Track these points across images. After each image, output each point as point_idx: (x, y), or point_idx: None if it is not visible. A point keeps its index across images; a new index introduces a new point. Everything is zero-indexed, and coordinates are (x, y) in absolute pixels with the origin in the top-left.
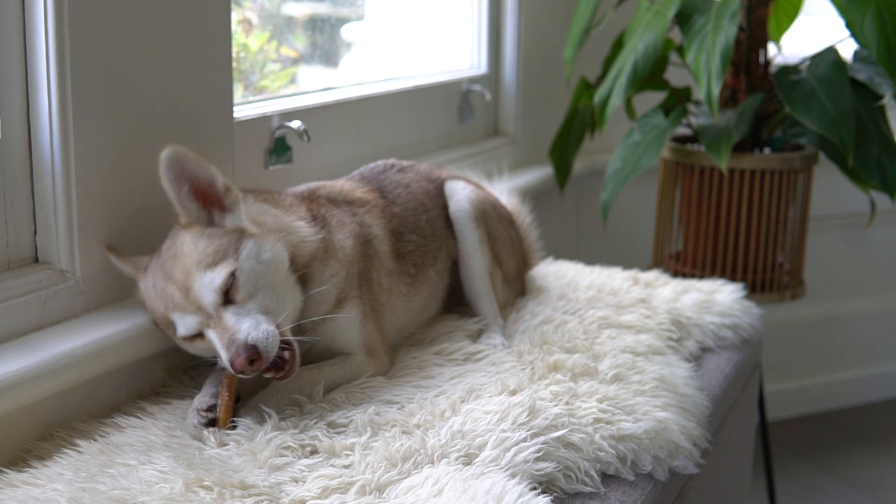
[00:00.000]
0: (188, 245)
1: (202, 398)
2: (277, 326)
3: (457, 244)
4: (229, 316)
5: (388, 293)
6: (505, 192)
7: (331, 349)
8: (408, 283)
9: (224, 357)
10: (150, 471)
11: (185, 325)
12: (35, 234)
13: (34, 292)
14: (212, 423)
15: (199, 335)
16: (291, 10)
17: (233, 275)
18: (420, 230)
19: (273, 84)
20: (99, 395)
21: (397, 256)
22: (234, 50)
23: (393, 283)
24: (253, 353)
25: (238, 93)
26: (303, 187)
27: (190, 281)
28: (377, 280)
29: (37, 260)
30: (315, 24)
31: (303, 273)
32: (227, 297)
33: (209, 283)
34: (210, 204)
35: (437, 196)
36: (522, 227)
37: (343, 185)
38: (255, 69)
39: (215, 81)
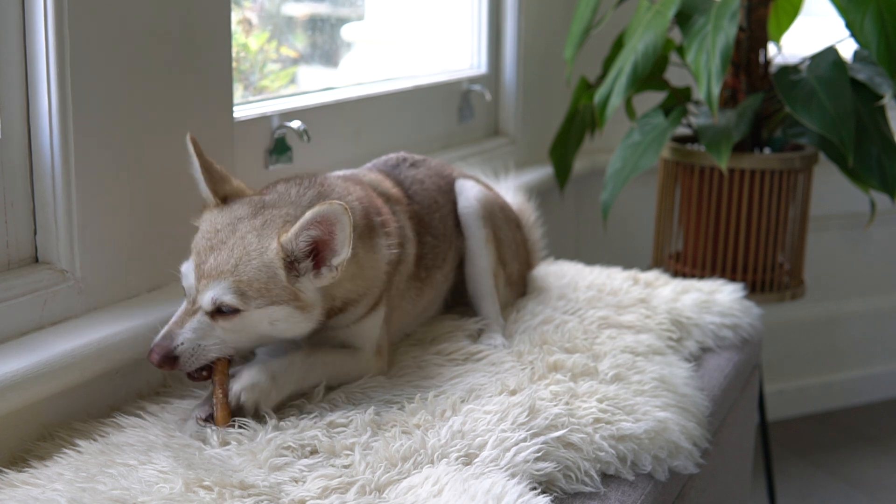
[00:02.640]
0: (256, 257)
1: (203, 407)
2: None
3: (464, 242)
4: (194, 318)
5: (401, 297)
6: (511, 190)
7: (344, 343)
8: (417, 286)
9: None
10: (150, 471)
11: (185, 277)
12: (35, 234)
13: (34, 292)
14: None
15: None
16: (291, 10)
17: (236, 312)
18: (434, 230)
19: (273, 84)
20: (99, 395)
21: (417, 259)
22: (234, 50)
23: (407, 286)
24: (168, 362)
25: (238, 93)
26: (360, 178)
27: (213, 272)
28: (397, 284)
29: (37, 260)
30: (315, 24)
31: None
32: (213, 314)
33: (212, 295)
34: (315, 258)
35: (448, 192)
36: (528, 224)
37: (376, 177)
38: (255, 69)
39: (215, 81)
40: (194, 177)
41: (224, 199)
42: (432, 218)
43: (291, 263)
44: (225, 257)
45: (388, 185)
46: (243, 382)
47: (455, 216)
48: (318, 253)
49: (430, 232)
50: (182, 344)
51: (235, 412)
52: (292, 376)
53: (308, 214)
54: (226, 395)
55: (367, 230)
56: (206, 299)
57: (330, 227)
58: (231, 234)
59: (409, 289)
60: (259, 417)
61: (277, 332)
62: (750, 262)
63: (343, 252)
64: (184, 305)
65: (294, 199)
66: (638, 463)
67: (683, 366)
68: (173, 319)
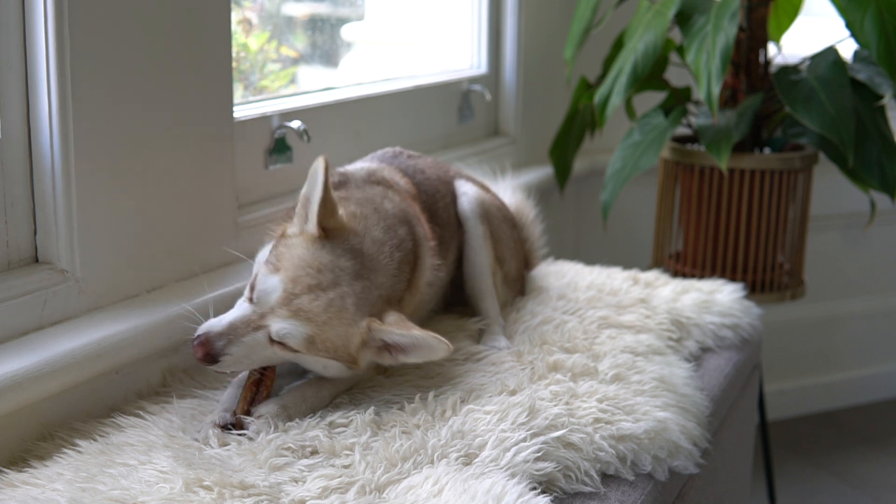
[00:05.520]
0: (345, 325)
1: (224, 415)
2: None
3: (464, 238)
4: (256, 333)
5: None
6: (509, 189)
7: None
8: None
9: (207, 322)
10: (150, 471)
11: (267, 291)
12: (35, 234)
13: (34, 292)
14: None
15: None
16: (291, 10)
17: (294, 351)
18: (440, 220)
19: (273, 84)
20: (99, 395)
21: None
22: (234, 50)
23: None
24: (209, 360)
25: (238, 93)
26: (383, 176)
27: (301, 313)
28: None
29: (37, 260)
30: (315, 24)
31: None
32: (273, 340)
33: (285, 331)
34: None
35: (447, 182)
36: (527, 221)
37: (392, 173)
38: (255, 69)
39: (215, 81)
40: (310, 201)
41: (325, 231)
42: (437, 207)
43: (367, 341)
44: (320, 307)
45: (404, 182)
46: (258, 413)
47: (455, 205)
48: (392, 345)
49: (437, 222)
50: (230, 355)
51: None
52: (303, 411)
53: (415, 335)
54: (270, 387)
55: (415, 264)
56: (278, 329)
57: (421, 349)
58: (333, 286)
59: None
60: None
61: (324, 373)
62: (750, 262)
63: (413, 360)
64: (248, 311)
65: (387, 257)
66: (638, 463)
67: (683, 366)
68: (233, 320)
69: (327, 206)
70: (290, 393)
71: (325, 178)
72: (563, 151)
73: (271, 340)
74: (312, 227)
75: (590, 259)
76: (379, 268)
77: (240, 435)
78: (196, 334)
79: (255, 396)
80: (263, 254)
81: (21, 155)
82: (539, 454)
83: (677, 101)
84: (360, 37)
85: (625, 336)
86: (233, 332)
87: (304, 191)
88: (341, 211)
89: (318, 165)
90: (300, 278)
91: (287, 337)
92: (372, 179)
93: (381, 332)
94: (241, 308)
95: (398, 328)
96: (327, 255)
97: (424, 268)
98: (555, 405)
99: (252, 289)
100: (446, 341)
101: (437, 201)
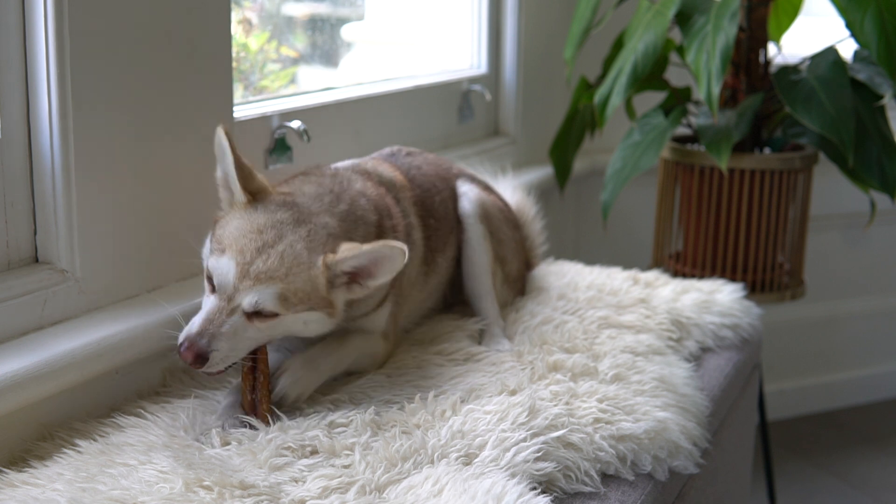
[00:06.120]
0: (305, 270)
1: (232, 420)
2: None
3: (463, 238)
4: (231, 319)
5: (411, 285)
6: (510, 188)
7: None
8: (424, 270)
9: (185, 328)
10: (150, 471)
11: (223, 274)
12: (35, 234)
13: (34, 292)
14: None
15: (211, 281)
16: (291, 10)
17: (275, 315)
18: (436, 213)
19: (273, 84)
20: (99, 395)
21: (425, 241)
22: (234, 50)
23: (417, 272)
24: (199, 362)
25: (238, 93)
26: (368, 171)
27: (262, 276)
28: (408, 273)
29: (37, 260)
30: (315, 24)
31: None
32: (251, 315)
33: (256, 298)
34: (352, 275)
35: (446, 178)
36: (527, 218)
37: (379, 166)
38: (255, 69)
39: (215, 81)
40: (226, 172)
41: (252, 195)
42: (433, 201)
43: (331, 279)
44: (275, 263)
45: (392, 173)
46: (291, 377)
47: (453, 201)
48: (356, 272)
49: (432, 215)
50: (218, 350)
51: (275, 403)
52: (329, 365)
53: (366, 250)
54: (268, 386)
55: (378, 237)
56: (249, 301)
57: (381, 263)
58: (279, 240)
59: (418, 274)
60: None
61: (307, 331)
62: (750, 262)
63: (381, 280)
64: (215, 301)
65: (327, 206)
66: (638, 463)
67: (683, 366)
68: (206, 316)
69: (243, 170)
70: (309, 349)
71: (231, 145)
72: (563, 151)
73: (248, 316)
74: (239, 194)
75: (590, 259)
76: (318, 210)
77: (246, 426)
78: (178, 343)
79: (255, 383)
80: (207, 248)
81: (21, 155)
82: (539, 454)
83: (677, 101)
84: (360, 37)
85: (625, 336)
86: (210, 326)
87: (217, 172)
88: (261, 176)
89: (220, 135)
90: (246, 246)
91: (260, 304)
92: (356, 170)
93: (337, 263)
94: (208, 302)
95: (350, 252)
96: (262, 215)
97: None
98: (555, 405)
99: (210, 280)
100: (399, 244)
101: (432, 196)
